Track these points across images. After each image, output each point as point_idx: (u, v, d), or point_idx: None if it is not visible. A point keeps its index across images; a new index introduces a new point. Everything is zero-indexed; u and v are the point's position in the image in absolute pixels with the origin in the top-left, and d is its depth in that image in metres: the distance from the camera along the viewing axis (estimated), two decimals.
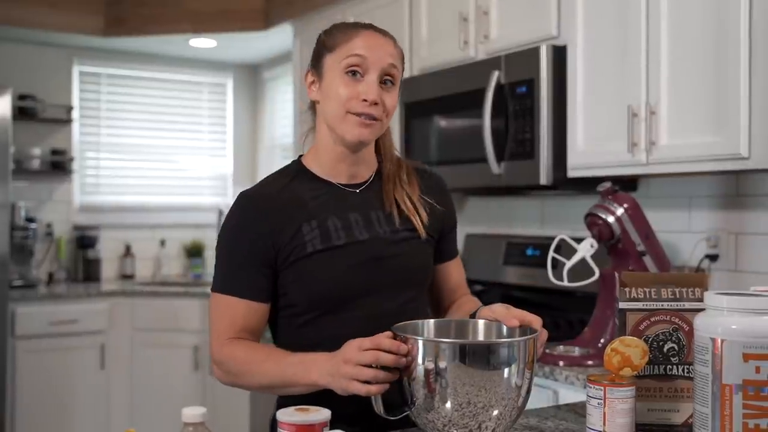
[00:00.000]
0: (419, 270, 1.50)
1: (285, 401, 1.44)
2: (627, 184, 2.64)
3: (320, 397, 1.32)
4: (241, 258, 1.42)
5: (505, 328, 1.31)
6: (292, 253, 1.41)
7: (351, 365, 1.20)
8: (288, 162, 1.57)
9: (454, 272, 1.60)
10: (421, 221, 1.48)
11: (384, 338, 1.20)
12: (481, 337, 1.34)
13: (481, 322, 1.35)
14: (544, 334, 1.29)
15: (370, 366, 1.19)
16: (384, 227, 1.46)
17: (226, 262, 1.45)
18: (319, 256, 1.41)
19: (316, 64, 1.46)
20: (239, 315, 1.42)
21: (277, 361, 1.35)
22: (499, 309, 1.32)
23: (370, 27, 1.45)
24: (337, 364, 1.23)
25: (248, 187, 1.49)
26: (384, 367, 1.19)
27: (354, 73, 1.40)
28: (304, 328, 1.44)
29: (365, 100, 1.39)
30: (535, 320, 1.28)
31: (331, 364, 1.24)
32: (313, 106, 1.51)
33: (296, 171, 1.50)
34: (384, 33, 1.46)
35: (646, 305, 1.33)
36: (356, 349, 1.21)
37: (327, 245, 1.41)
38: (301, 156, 1.54)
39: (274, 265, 1.42)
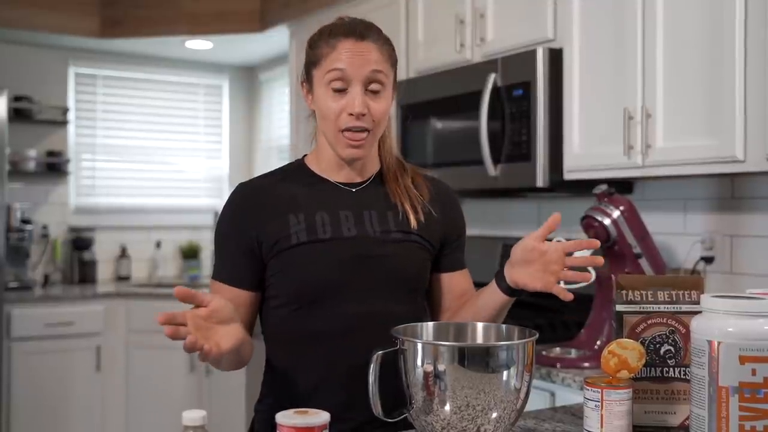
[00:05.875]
0: (408, 273, 1.48)
1: (268, 402, 1.47)
2: (623, 186, 2.65)
3: (317, 398, 1.33)
4: (228, 246, 1.47)
5: (504, 331, 1.32)
6: (276, 244, 1.42)
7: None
8: (286, 162, 1.59)
9: (461, 282, 1.56)
10: (418, 225, 1.47)
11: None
12: (480, 340, 1.34)
13: (480, 325, 1.36)
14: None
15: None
16: (375, 227, 1.45)
17: (217, 249, 1.50)
18: (303, 248, 1.41)
19: (307, 76, 1.48)
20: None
21: None
22: (524, 245, 1.38)
23: (351, 34, 1.41)
24: None
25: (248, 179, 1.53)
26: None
27: (339, 89, 1.40)
28: (286, 321, 1.44)
29: (351, 114, 1.39)
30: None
31: None
32: (314, 111, 1.51)
33: (296, 167, 1.53)
34: (366, 37, 1.41)
35: (643, 308, 1.34)
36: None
37: (312, 238, 1.42)
38: (305, 155, 1.55)
39: (259, 256, 1.44)
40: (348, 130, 1.40)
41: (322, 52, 1.42)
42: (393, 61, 1.47)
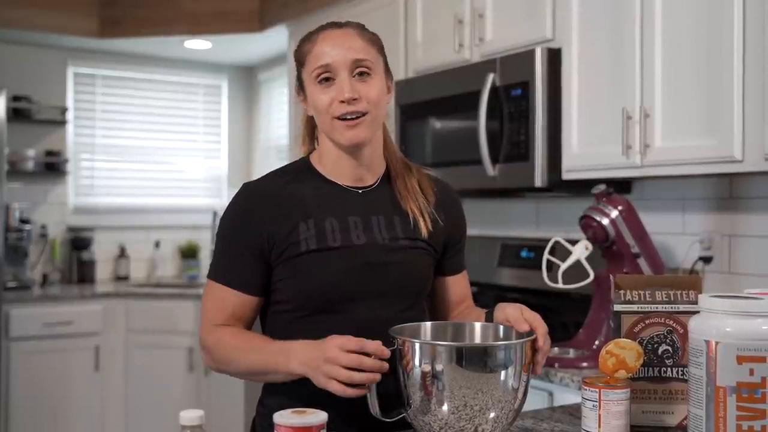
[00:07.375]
0: (415, 280, 1.48)
1: (269, 404, 1.46)
2: (621, 186, 2.65)
3: (317, 399, 1.33)
4: (236, 249, 1.44)
5: (501, 331, 1.32)
6: (286, 250, 1.41)
7: (331, 365, 1.21)
8: (288, 162, 1.57)
9: (459, 286, 1.58)
10: (426, 231, 1.47)
11: (368, 341, 1.21)
12: (477, 340, 1.34)
13: (477, 325, 1.36)
14: (546, 344, 1.27)
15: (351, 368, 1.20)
16: (383, 233, 1.45)
17: (221, 251, 1.47)
18: (313, 255, 1.40)
19: (299, 81, 1.49)
20: (228, 304, 1.44)
21: (259, 349, 1.37)
22: (512, 312, 1.30)
23: (329, 26, 1.45)
24: (317, 360, 1.24)
25: (253, 179, 1.50)
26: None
27: (326, 79, 1.41)
28: (291, 326, 1.44)
29: (342, 102, 1.39)
30: (540, 327, 1.27)
31: (311, 357, 1.26)
32: (311, 117, 1.51)
33: (303, 168, 1.51)
34: (344, 25, 1.45)
35: (641, 308, 1.34)
36: (338, 348, 1.21)
37: (321, 246, 1.41)
38: (309, 154, 1.54)
39: (267, 260, 1.42)
40: (342, 118, 1.40)
41: (305, 49, 1.45)
42: (378, 47, 1.46)
